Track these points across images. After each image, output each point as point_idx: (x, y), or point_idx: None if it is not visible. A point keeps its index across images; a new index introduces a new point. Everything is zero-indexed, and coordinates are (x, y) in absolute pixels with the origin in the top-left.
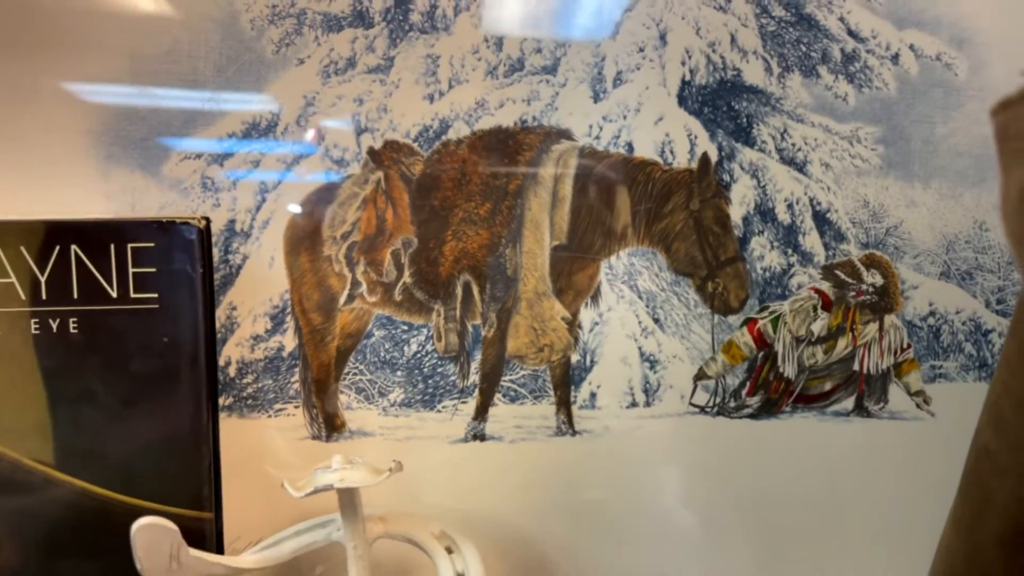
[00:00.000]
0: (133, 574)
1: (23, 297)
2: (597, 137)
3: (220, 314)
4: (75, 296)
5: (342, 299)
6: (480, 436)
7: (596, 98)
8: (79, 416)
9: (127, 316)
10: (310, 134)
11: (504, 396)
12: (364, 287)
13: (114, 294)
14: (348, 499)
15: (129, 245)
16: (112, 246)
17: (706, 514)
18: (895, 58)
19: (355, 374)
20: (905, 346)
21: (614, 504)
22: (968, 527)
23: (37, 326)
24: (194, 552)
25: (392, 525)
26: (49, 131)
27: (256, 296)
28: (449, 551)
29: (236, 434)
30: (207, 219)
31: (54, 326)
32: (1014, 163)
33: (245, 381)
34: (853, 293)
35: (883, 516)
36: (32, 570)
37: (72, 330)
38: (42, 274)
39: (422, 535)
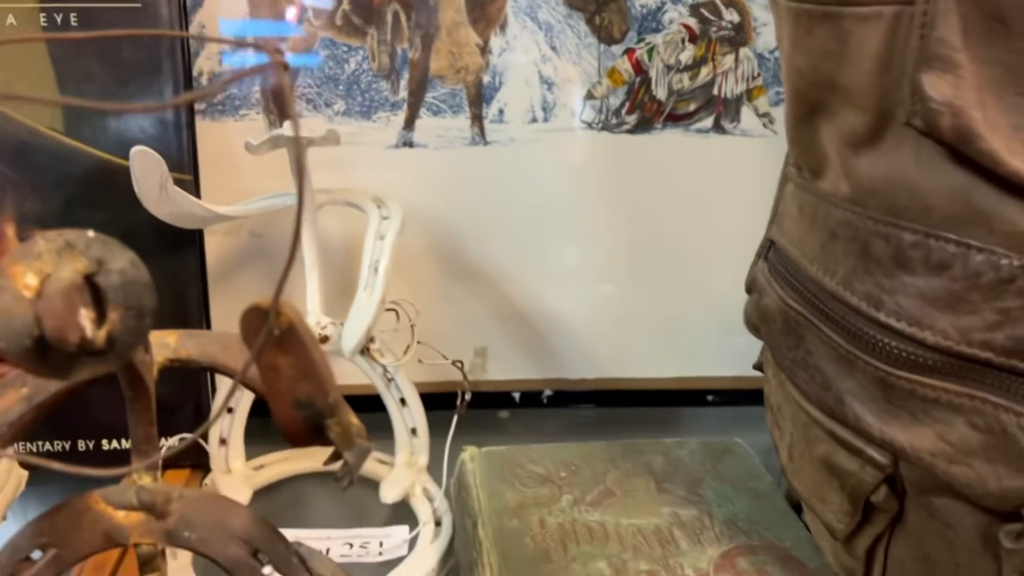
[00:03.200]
0: (128, 223)
1: None
2: None
3: (193, 31)
4: None
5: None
6: (409, 143)
7: None
8: (82, 93)
9: (116, 13)
10: (291, 12)
11: (428, 110)
12: (310, 12)
13: None
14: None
15: None
16: None
17: (589, 211)
18: None
19: (305, 87)
20: (755, 75)
21: (517, 201)
22: (781, 182)
23: (45, 20)
24: (179, 188)
25: (335, 194)
26: None
27: (223, 15)
28: (379, 207)
29: (208, 133)
30: None
31: (59, 19)
32: None
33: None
34: (715, 28)
35: (733, 209)
36: (52, 216)
37: (73, 23)
38: None
39: (360, 199)
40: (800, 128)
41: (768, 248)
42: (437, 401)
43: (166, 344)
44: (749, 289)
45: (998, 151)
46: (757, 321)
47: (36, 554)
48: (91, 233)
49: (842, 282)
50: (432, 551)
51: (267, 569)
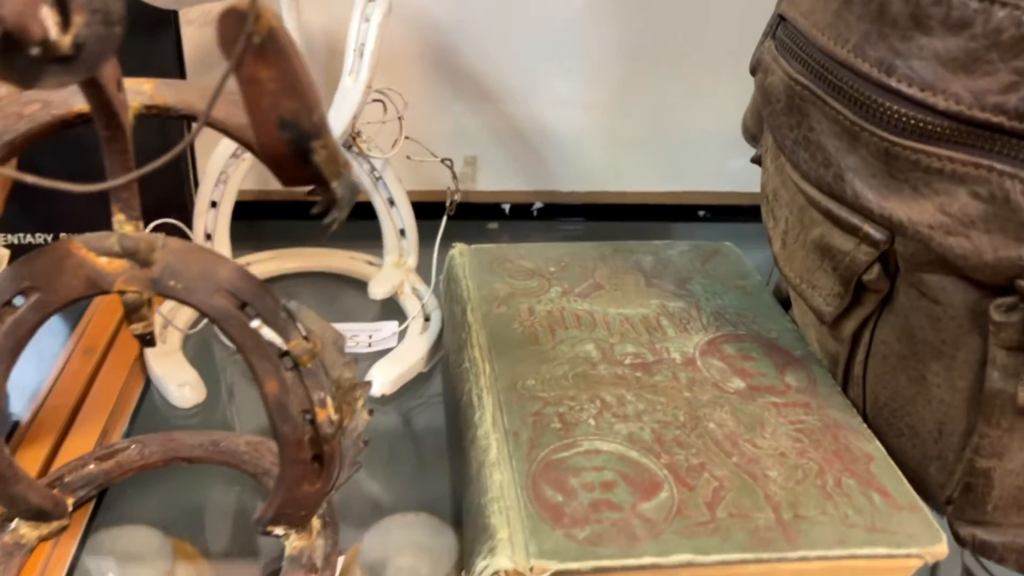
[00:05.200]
0: None
1: None
2: None
3: None
4: None
5: None
6: None
7: None
8: None
9: None
10: None
11: None
12: None
13: None
14: None
15: None
16: None
17: (586, 16)
18: None
19: None
20: None
21: None
22: None
23: None
24: None
25: None
26: None
27: None
28: None
29: None
30: None
31: None
32: None
33: None
34: None
35: (734, 21)
36: None
37: None
38: None
39: None
40: None
41: (776, 25)
42: (426, 210)
43: (142, 91)
44: (753, 70)
45: None
46: (760, 104)
47: (19, 300)
48: None
49: (854, 49)
50: (421, 342)
51: (255, 322)
